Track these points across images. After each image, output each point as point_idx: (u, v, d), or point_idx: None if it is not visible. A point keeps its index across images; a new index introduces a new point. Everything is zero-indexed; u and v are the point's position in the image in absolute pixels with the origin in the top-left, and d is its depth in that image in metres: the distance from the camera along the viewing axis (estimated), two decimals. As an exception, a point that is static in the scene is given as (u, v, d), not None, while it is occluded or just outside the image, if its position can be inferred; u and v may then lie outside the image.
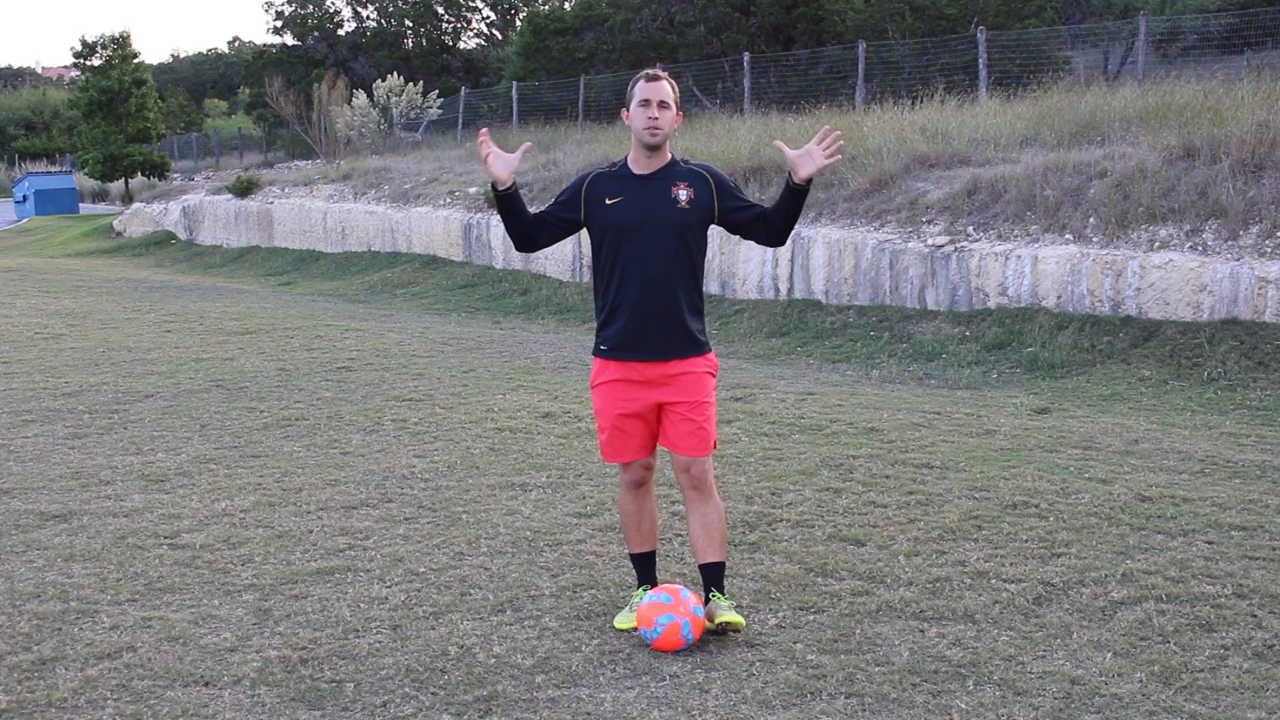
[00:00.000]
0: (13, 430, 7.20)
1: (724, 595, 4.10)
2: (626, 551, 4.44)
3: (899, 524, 5.22)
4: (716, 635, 4.05)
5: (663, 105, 3.95)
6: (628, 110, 4.02)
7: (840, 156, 3.96)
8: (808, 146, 3.97)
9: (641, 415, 4.07)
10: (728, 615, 3.99)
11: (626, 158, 4.11)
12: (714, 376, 4.15)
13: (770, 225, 4.07)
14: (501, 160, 3.99)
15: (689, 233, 4.03)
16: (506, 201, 4.04)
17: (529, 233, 4.10)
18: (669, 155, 4.09)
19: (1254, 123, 10.00)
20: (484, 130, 4.15)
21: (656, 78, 3.98)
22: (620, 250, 4.00)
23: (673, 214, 3.99)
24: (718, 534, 4.10)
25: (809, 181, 3.96)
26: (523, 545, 5.03)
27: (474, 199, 17.63)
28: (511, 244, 4.23)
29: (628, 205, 4.00)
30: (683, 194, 4.02)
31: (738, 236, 4.32)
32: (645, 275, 3.98)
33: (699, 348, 4.08)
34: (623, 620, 4.16)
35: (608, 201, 4.02)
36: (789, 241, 11.93)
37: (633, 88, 4.00)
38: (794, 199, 4.00)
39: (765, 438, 6.89)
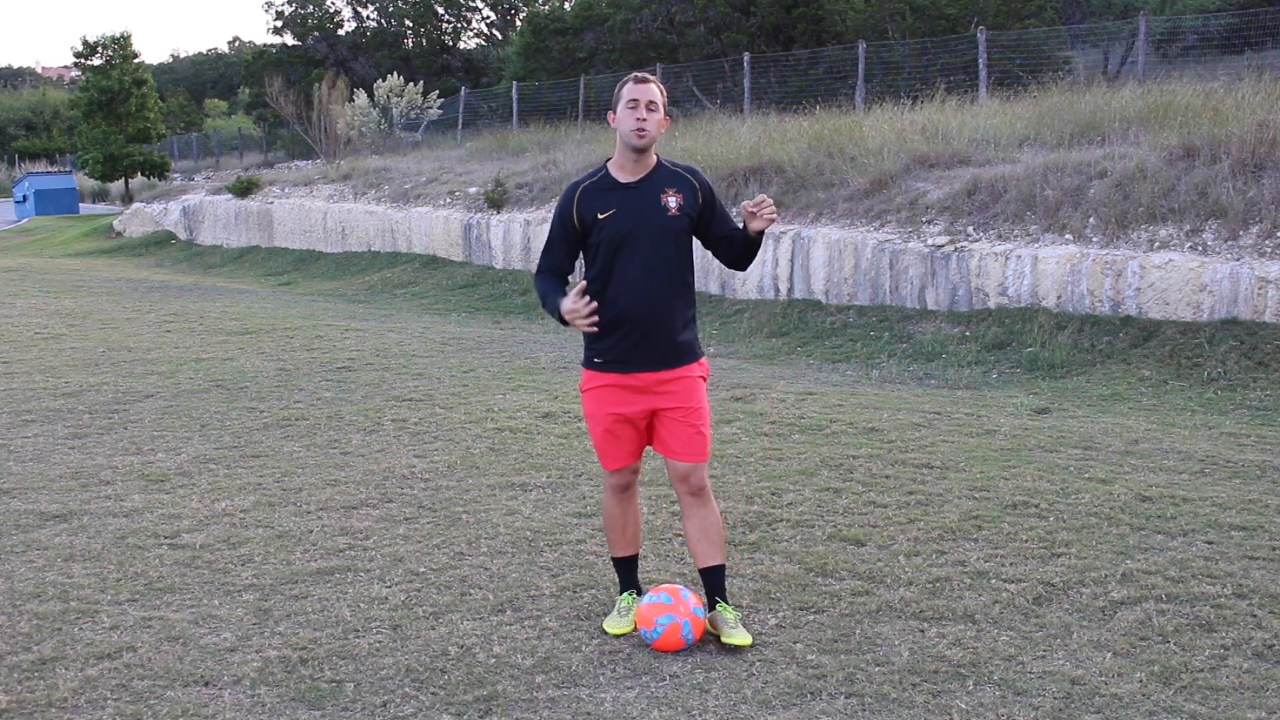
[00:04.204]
0: (13, 430, 7.20)
1: (729, 606, 4.07)
2: (609, 555, 4.41)
3: (899, 524, 5.22)
4: (716, 637, 4.05)
5: (651, 106, 3.87)
6: (614, 112, 3.94)
7: (775, 219, 3.96)
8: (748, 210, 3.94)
9: (633, 420, 4.02)
10: (734, 637, 3.96)
11: (606, 164, 4.02)
12: (705, 381, 4.10)
13: (734, 252, 4.07)
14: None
15: (682, 239, 3.98)
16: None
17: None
18: (654, 158, 4.01)
19: (1254, 123, 10.00)
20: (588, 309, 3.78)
21: (645, 80, 3.91)
22: (615, 262, 3.93)
23: (665, 221, 3.94)
24: (717, 537, 4.08)
25: (760, 234, 3.96)
26: (523, 545, 5.03)
27: (474, 199, 17.63)
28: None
29: (620, 217, 3.92)
30: (672, 200, 3.95)
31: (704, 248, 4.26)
32: (640, 287, 3.91)
33: (694, 355, 4.04)
34: (612, 624, 4.16)
35: (600, 216, 3.94)
36: (789, 241, 11.95)
37: (620, 89, 3.93)
38: (749, 242, 4.02)
39: (765, 438, 6.89)
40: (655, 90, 3.90)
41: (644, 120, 3.86)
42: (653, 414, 4.03)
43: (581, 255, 4.07)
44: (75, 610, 4.31)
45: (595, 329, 3.84)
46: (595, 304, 3.82)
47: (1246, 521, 5.16)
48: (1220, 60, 17.48)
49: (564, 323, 3.82)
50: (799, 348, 10.65)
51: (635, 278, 3.92)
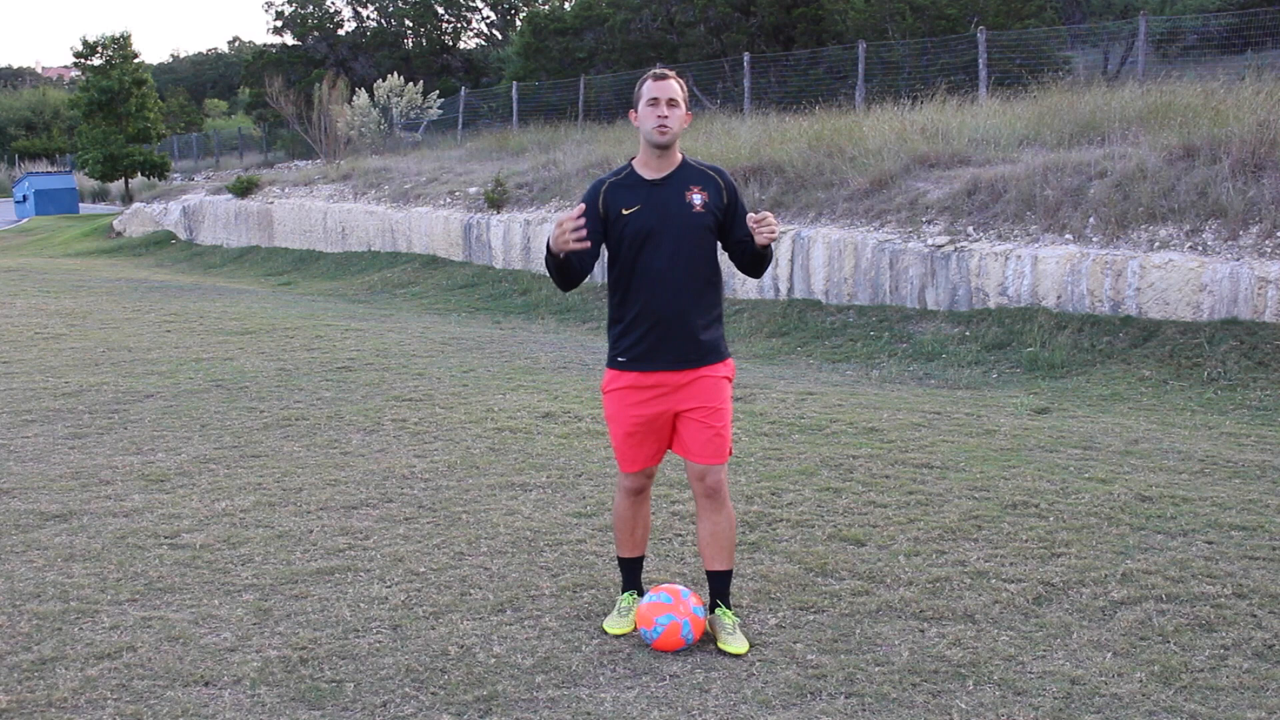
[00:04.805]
0: (13, 430, 7.20)
1: (730, 611, 4.07)
2: (614, 555, 4.41)
3: (899, 524, 5.22)
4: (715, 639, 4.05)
5: (672, 103, 3.86)
6: (635, 111, 3.94)
7: (775, 237, 3.94)
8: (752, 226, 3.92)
9: (655, 423, 4.00)
10: (730, 645, 3.96)
11: (631, 162, 4.02)
12: (730, 382, 4.08)
13: (748, 259, 4.04)
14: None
15: (707, 237, 3.96)
16: (566, 259, 3.85)
17: (573, 272, 3.92)
18: (679, 156, 4.00)
19: (1254, 123, 10.00)
20: (581, 214, 3.79)
21: (665, 76, 3.90)
22: (640, 259, 3.91)
23: (690, 218, 3.92)
24: (727, 542, 4.07)
25: (765, 247, 3.93)
26: (523, 545, 5.03)
27: (474, 199, 17.63)
28: (553, 279, 3.96)
29: (645, 214, 3.91)
30: (697, 198, 3.94)
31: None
32: (665, 284, 3.90)
33: (718, 355, 4.02)
34: (612, 624, 4.16)
35: (625, 212, 3.92)
36: (789, 241, 11.94)
37: (640, 87, 3.92)
38: (757, 254, 4.00)
39: (765, 438, 6.89)
40: (675, 86, 3.89)
41: (665, 117, 3.86)
42: (675, 416, 4.00)
43: (605, 252, 4.03)
44: (75, 610, 4.31)
45: (584, 245, 3.75)
46: (586, 219, 3.78)
47: (1246, 521, 5.16)
48: (1220, 60, 17.46)
49: (555, 256, 3.77)
50: (799, 348, 10.65)
51: (659, 274, 3.90)
